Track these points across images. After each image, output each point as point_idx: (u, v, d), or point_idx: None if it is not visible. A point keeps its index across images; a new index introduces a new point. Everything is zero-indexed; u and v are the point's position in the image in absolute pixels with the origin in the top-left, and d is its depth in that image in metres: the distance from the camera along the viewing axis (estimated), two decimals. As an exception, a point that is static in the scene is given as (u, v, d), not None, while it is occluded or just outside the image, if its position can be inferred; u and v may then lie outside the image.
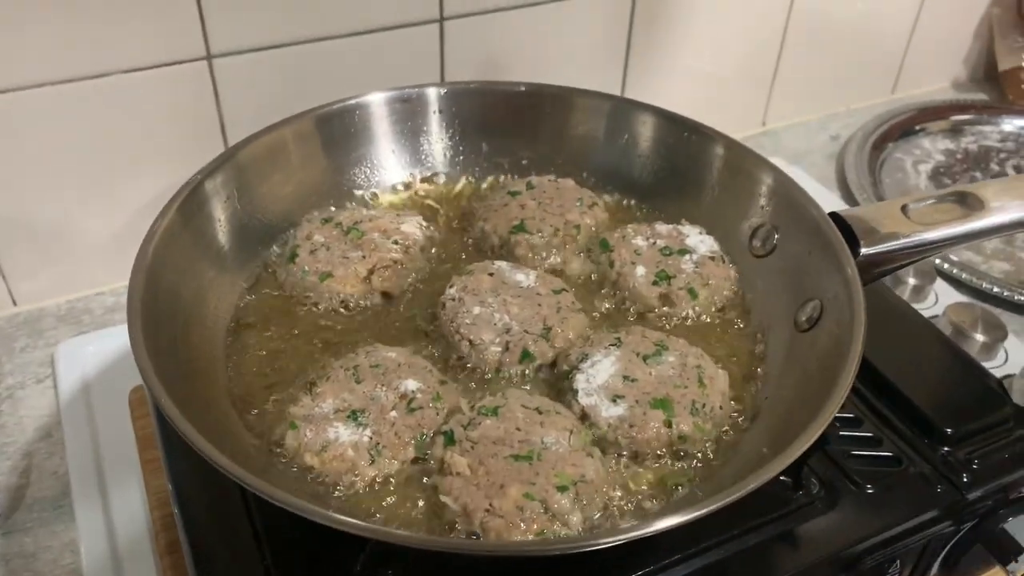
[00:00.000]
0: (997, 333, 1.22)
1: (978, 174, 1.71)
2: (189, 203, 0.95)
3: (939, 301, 1.34)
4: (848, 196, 1.62)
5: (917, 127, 1.80)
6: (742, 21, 1.62)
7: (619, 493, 0.83)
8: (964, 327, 1.22)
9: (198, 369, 0.89)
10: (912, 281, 1.33)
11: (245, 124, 1.10)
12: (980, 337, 1.22)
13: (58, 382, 1.19)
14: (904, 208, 0.96)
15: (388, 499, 0.81)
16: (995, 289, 1.38)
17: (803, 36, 1.69)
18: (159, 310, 0.86)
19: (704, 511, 0.69)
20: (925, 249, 0.94)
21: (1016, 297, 1.37)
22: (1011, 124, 1.82)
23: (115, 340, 1.22)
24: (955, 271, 1.40)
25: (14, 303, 1.30)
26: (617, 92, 1.57)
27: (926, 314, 1.18)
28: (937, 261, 1.40)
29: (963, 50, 1.96)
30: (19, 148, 1.17)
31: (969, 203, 0.95)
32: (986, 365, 1.08)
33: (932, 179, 1.69)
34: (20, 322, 1.29)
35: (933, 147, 1.77)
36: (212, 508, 0.88)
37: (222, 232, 1.01)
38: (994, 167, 1.73)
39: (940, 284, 1.37)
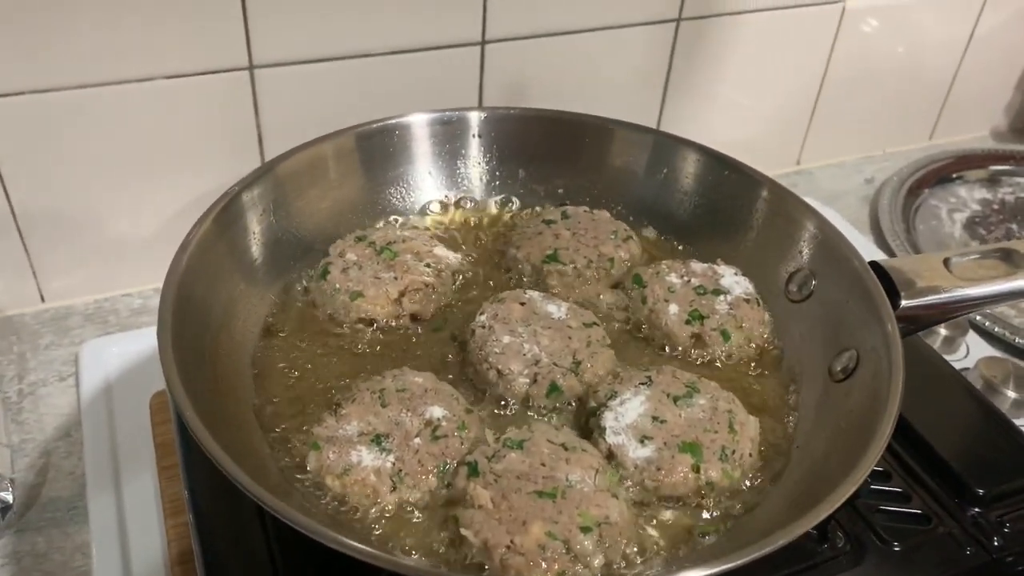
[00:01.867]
0: (1030, 391, 1.20)
1: (1014, 226, 1.69)
2: (225, 214, 0.95)
3: (970, 354, 1.31)
4: (881, 241, 1.60)
5: (954, 175, 1.78)
6: (783, 60, 1.61)
7: (643, 538, 0.81)
8: (996, 382, 1.20)
9: (224, 381, 0.89)
10: (943, 332, 1.31)
11: (283, 136, 1.10)
12: (1012, 394, 1.19)
13: (80, 382, 1.19)
14: (947, 261, 0.94)
15: (407, 527, 0.80)
16: (1029, 345, 1.35)
17: (843, 77, 1.68)
18: (189, 320, 0.86)
19: (730, 565, 0.68)
20: (966, 305, 0.92)
21: (1050, 355, 1.34)
22: (1050, 177, 1.80)
23: (140, 342, 1.22)
24: (987, 324, 1.38)
25: (42, 299, 1.31)
26: (653, 124, 1.56)
27: (957, 366, 1.16)
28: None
29: (1004, 100, 1.94)
30: (57, 148, 1.17)
31: (1014, 260, 0.94)
32: (1017, 422, 1.06)
33: (967, 228, 1.67)
34: (47, 319, 1.29)
35: (969, 196, 1.75)
36: (228, 520, 0.87)
37: (256, 245, 1.01)
38: (1031, 220, 1.70)
39: (972, 336, 1.34)
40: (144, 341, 1.22)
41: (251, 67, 1.21)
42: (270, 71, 1.22)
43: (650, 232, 1.16)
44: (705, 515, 0.84)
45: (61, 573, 0.99)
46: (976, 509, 0.93)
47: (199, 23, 1.15)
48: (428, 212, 1.17)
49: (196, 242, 0.90)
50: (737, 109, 1.64)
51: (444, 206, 1.18)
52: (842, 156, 1.83)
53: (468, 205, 1.19)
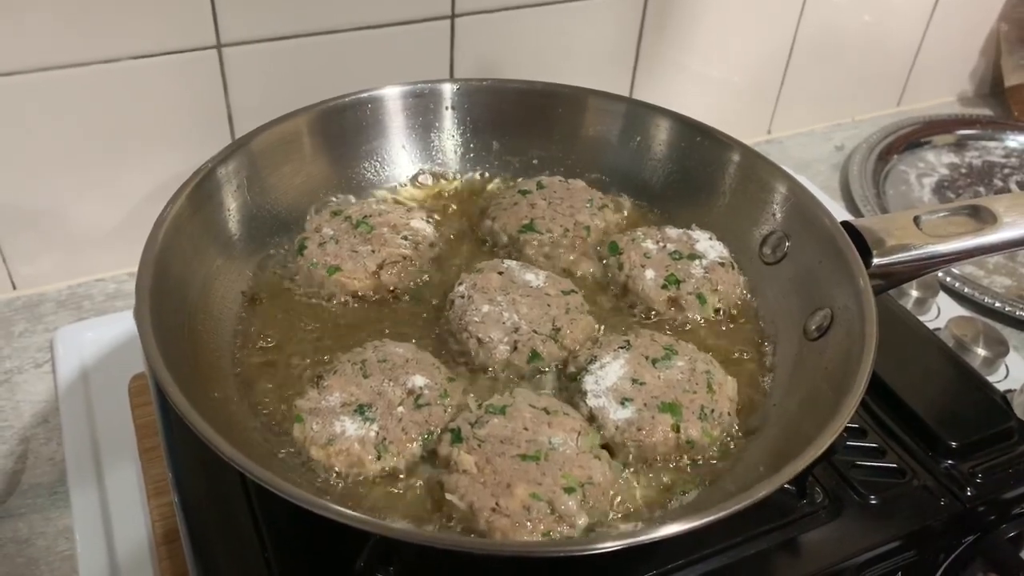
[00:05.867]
0: (999, 348, 1.22)
1: (982, 189, 1.72)
2: (200, 190, 0.95)
3: (941, 314, 1.34)
4: (852, 207, 1.62)
5: (922, 140, 1.80)
6: (751, 30, 1.62)
7: (625, 496, 0.82)
8: (966, 341, 1.22)
9: (204, 358, 0.89)
10: (915, 294, 1.33)
11: (253, 115, 1.09)
12: (982, 351, 1.22)
13: (56, 368, 1.18)
14: (916, 220, 0.95)
15: (393, 495, 0.81)
16: (997, 304, 1.38)
17: (811, 46, 1.69)
18: (167, 297, 0.85)
19: (710, 518, 0.69)
20: (937, 261, 0.94)
21: (1017, 312, 1.37)
22: (1015, 140, 1.82)
23: (115, 327, 1.22)
24: (957, 285, 1.41)
25: (14, 287, 1.29)
26: (626, 95, 1.56)
27: (929, 327, 1.18)
28: (940, 274, 1.40)
29: (970, 65, 1.96)
30: (24, 132, 1.16)
31: (981, 217, 0.95)
32: (988, 379, 1.08)
33: (936, 193, 1.70)
34: (20, 306, 1.28)
35: (937, 161, 1.78)
36: (212, 498, 0.87)
37: (231, 221, 1.00)
38: (998, 182, 1.73)
39: (942, 297, 1.37)
40: (120, 325, 1.21)
41: (219, 45, 1.20)
42: (238, 49, 1.22)
43: (625, 200, 1.16)
44: (685, 473, 0.85)
45: (44, 558, 0.99)
46: (949, 461, 0.95)
47: (165, 2, 1.13)
48: (403, 185, 1.17)
49: (171, 218, 0.89)
50: (707, 80, 1.64)
51: (419, 179, 1.17)
52: (812, 125, 1.85)
53: (443, 177, 1.18)
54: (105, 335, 1.21)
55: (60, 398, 1.14)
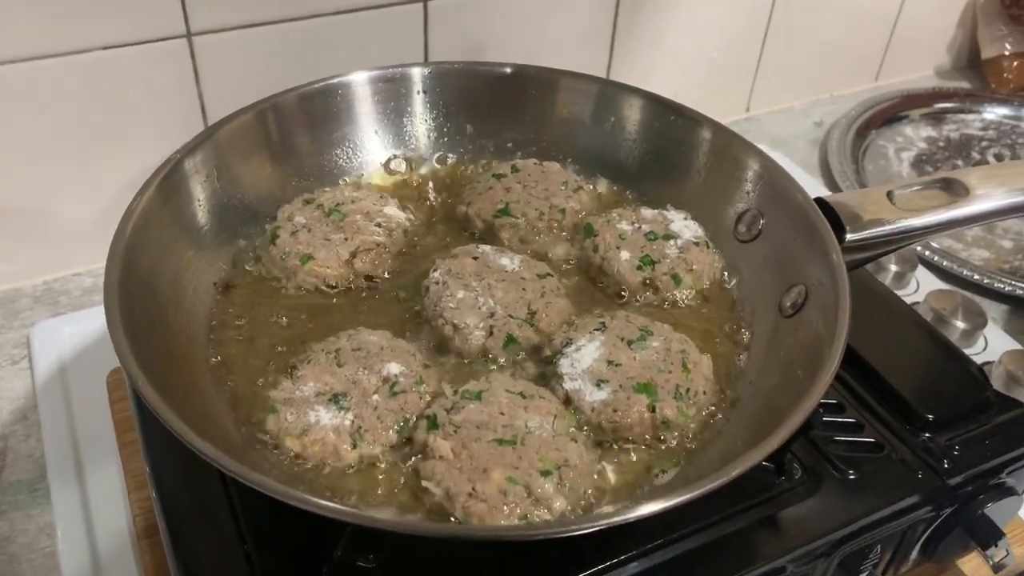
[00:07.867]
0: (977, 320, 1.23)
1: (960, 162, 1.72)
2: (168, 182, 0.94)
3: (920, 288, 1.34)
4: (831, 182, 1.62)
5: (900, 114, 1.81)
6: (728, 6, 1.62)
7: (602, 477, 0.82)
8: (945, 314, 1.22)
9: (177, 351, 0.88)
10: (893, 268, 1.33)
11: (225, 104, 1.08)
12: (960, 324, 1.22)
13: (34, 364, 1.17)
14: (889, 194, 0.95)
15: (370, 483, 0.81)
16: (975, 276, 1.39)
17: (788, 23, 1.69)
18: (137, 290, 0.84)
19: (687, 497, 0.69)
20: (910, 235, 0.94)
21: (996, 285, 1.38)
22: (993, 112, 1.83)
23: (93, 322, 1.21)
24: (936, 258, 1.41)
25: (-11, 283, 1.28)
26: (603, 76, 1.56)
27: (907, 301, 1.18)
28: (918, 248, 1.40)
29: (947, 38, 1.96)
30: (-7, 125, 1.15)
31: (954, 190, 0.95)
32: (966, 352, 1.08)
33: (914, 166, 1.70)
34: (-6, 303, 1.27)
35: (916, 134, 1.78)
36: (191, 492, 0.87)
37: (201, 212, 0.99)
38: (975, 155, 1.74)
39: (921, 271, 1.37)
40: (97, 320, 1.18)
41: (189, 34, 1.19)
42: (209, 37, 1.21)
43: (600, 181, 1.16)
44: (662, 452, 0.85)
45: (26, 555, 0.98)
46: (926, 434, 0.95)
47: (131, -9, 1.12)
48: (377, 172, 1.16)
49: (140, 211, 0.88)
50: (685, 58, 1.64)
51: (392, 165, 1.16)
52: (790, 101, 1.85)
53: (417, 163, 1.18)
54: (82, 330, 1.21)
55: (38, 394, 1.14)
